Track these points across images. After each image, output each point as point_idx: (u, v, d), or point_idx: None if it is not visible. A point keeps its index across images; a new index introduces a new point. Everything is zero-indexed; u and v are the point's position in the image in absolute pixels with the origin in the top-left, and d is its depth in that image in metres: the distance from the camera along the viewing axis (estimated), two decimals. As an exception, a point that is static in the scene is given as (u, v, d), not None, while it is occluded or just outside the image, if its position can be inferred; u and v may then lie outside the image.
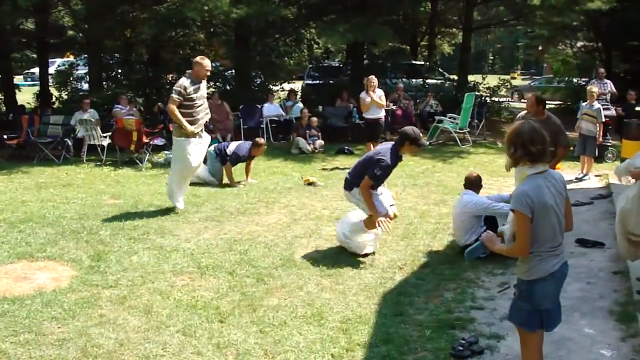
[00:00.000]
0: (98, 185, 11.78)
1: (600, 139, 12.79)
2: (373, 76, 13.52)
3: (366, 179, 7.26)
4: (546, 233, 4.04)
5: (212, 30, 20.59)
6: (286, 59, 23.62)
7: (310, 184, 11.73)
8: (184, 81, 9.04)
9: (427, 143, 9.37)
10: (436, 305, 6.16)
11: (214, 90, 19.76)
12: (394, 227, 8.75)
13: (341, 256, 7.56)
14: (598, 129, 12.46)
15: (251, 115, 17.50)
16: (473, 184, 7.95)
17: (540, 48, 36.41)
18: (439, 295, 6.42)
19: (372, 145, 12.30)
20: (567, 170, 12.63)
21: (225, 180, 11.89)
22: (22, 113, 17.28)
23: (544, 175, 4.04)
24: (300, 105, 18.18)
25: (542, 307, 4.12)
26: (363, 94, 13.43)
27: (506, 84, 24.90)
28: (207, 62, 9.24)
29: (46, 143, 14.55)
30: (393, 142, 7.55)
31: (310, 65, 25.47)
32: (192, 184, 10.85)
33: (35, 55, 23.24)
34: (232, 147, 11.94)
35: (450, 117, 17.41)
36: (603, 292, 6.47)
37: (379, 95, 13.29)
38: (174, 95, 8.94)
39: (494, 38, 65.62)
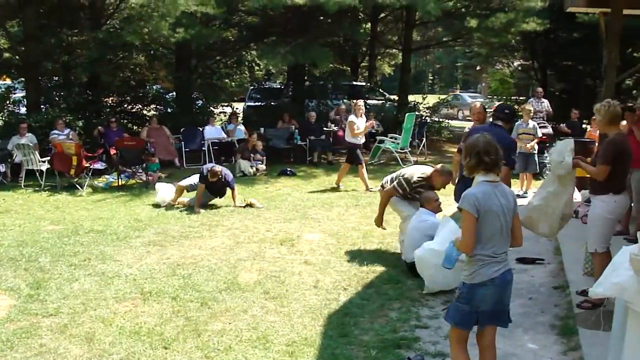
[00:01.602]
0: (37, 211, 11.56)
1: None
2: (361, 101, 13.56)
3: None
4: (489, 236, 4.32)
5: (152, 52, 20.45)
6: (227, 81, 23.59)
7: (249, 205, 11.71)
8: None
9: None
10: (381, 325, 6.19)
11: (153, 113, 19.65)
12: (338, 248, 8.81)
13: (285, 278, 7.55)
14: (535, 145, 12.76)
15: (192, 138, 17.42)
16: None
17: (478, 68, 37.17)
18: (383, 315, 6.46)
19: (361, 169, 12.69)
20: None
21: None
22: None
23: (494, 185, 4.37)
24: (242, 127, 18.16)
25: (480, 309, 4.41)
26: (353, 118, 13.23)
27: (446, 104, 25.38)
28: None
29: (-19, 169, 14.24)
30: None
31: (252, 87, 25.47)
32: (135, 207, 10.78)
33: (-32, 78, 22.77)
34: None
35: (391, 137, 17.60)
36: (544, 307, 6.61)
37: (368, 121, 13.42)
38: None
39: (433, 58, 66.54)
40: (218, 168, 11.51)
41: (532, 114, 13.34)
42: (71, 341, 5.79)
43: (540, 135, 12.94)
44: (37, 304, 6.71)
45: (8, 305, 6.73)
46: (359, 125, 13.17)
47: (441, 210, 8.28)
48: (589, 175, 6.43)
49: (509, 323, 4.67)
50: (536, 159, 12.88)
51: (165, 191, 12.07)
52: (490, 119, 7.71)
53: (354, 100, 13.97)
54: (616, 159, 6.02)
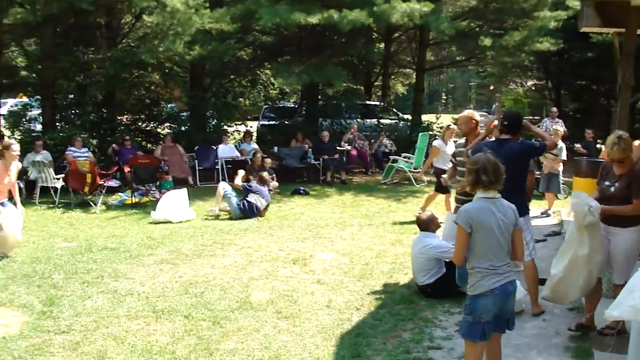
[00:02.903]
0: (51, 228, 11.60)
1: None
2: (454, 125, 12.49)
3: None
4: (484, 251, 4.55)
5: (167, 71, 20.57)
6: (241, 99, 23.66)
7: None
8: None
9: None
10: (394, 345, 6.15)
11: (167, 132, 19.73)
12: (351, 268, 8.78)
13: (298, 298, 7.53)
14: (559, 165, 12.74)
15: (206, 156, 17.48)
16: (426, 224, 7.98)
17: (492, 87, 37.14)
18: (396, 335, 6.42)
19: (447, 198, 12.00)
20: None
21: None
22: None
23: (492, 201, 4.58)
24: (256, 146, 18.19)
25: (483, 319, 4.54)
26: (439, 143, 12.42)
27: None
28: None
29: (-4, 185, 14.31)
30: None
31: (266, 106, 25.56)
32: (150, 223, 10.87)
33: (-14, 96, 22.94)
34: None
35: (404, 157, 17.59)
36: (559, 329, 6.55)
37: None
38: None
39: (446, 78, 66.68)
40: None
41: (562, 134, 13.34)
42: (83, 359, 5.79)
43: (565, 157, 12.91)
44: (50, 321, 6.72)
45: (21, 322, 6.74)
46: (446, 151, 12.04)
47: (439, 227, 8.31)
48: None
49: (513, 327, 4.87)
50: (560, 179, 12.86)
51: (162, 210, 12.24)
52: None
53: (449, 124, 13.19)
54: None
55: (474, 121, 8.28)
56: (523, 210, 6.28)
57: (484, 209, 4.54)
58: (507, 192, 4.72)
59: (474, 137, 7.92)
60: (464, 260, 4.64)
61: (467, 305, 4.65)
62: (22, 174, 14.53)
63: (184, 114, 21.49)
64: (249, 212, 12.34)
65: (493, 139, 7.22)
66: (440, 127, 22.81)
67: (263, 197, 12.64)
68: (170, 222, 11.94)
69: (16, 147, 9.43)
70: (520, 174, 6.71)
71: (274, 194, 15.13)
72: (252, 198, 12.44)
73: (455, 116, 25.24)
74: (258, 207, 12.42)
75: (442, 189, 11.62)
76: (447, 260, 7.44)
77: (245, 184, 12.90)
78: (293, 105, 26.01)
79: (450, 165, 9.23)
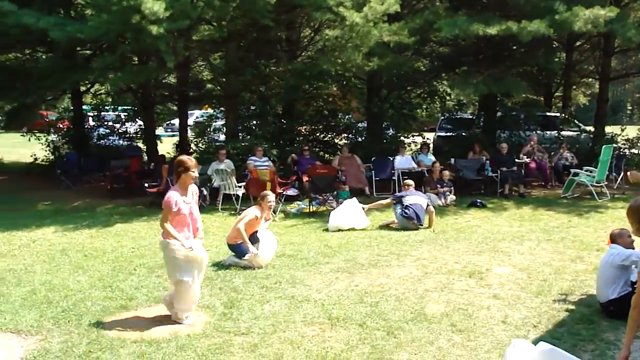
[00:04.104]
0: (232, 234, 12.03)
1: None
2: None
3: None
4: None
5: (345, 82, 20.88)
6: (418, 110, 23.60)
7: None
8: None
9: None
10: (574, 368, 5.86)
11: (344, 142, 20.02)
12: (528, 283, 8.48)
13: (473, 312, 7.36)
14: None
15: (383, 167, 17.53)
16: (614, 237, 7.58)
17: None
18: (576, 356, 6.11)
19: None
20: None
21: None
22: (162, 162, 18.04)
23: None
24: (432, 158, 18.06)
25: None
26: None
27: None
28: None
29: (184, 192, 15.05)
30: None
31: (443, 117, 25.38)
32: (326, 230, 11.15)
33: (175, 108, 24.26)
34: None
35: (586, 170, 16.81)
36: None
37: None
38: None
39: (632, 87, 63.43)
40: None
41: None
42: (261, 360, 5.94)
43: None
44: (230, 323, 6.97)
45: (204, 321, 7.04)
46: None
47: (634, 248, 7.80)
48: None
49: None
50: None
51: (337, 218, 12.46)
52: None
53: None
54: None
55: None
56: None
57: None
58: None
59: None
60: None
61: None
62: (207, 181, 15.25)
63: (361, 124, 21.73)
64: (413, 217, 12.37)
65: None
66: (626, 140, 21.71)
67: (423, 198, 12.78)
68: (341, 229, 12.19)
69: (271, 198, 9.95)
70: None
71: (450, 206, 14.99)
72: (409, 200, 12.55)
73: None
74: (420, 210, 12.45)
75: None
76: (633, 280, 7.01)
77: (395, 194, 13.12)
78: (470, 117, 25.68)
79: None
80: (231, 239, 9.63)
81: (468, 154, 18.41)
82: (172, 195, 6.88)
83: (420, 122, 24.78)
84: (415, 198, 12.59)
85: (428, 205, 12.72)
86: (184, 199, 6.97)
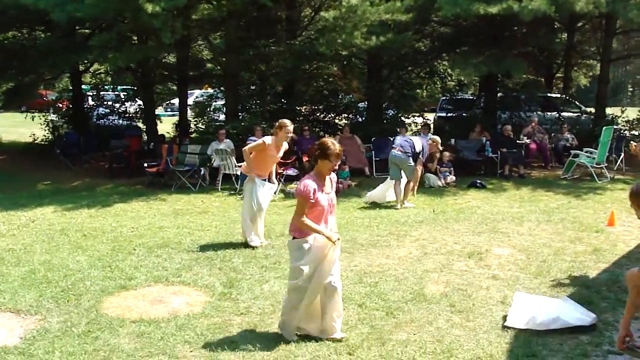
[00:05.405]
0: (232, 214, 12.04)
1: None
2: None
3: None
4: None
5: (345, 63, 20.79)
6: (418, 91, 23.51)
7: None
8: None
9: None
10: (571, 347, 5.86)
11: (345, 122, 19.96)
12: (527, 264, 8.48)
13: (472, 292, 7.35)
14: None
15: (383, 147, 17.46)
16: None
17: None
18: (574, 337, 6.10)
19: None
20: None
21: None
22: (162, 142, 18.04)
23: None
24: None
25: None
26: None
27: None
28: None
29: (183, 171, 15.11)
30: None
31: (443, 98, 25.29)
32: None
33: (175, 87, 24.17)
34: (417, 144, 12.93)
35: (586, 152, 16.77)
36: None
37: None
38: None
39: (633, 69, 63.14)
40: None
41: None
42: (260, 340, 5.95)
43: None
44: (229, 302, 6.97)
45: (203, 301, 7.05)
46: None
47: None
48: None
49: None
50: None
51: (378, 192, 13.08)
52: None
53: None
54: None
55: None
56: None
57: None
58: None
59: None
60: None
61: None
62: (207, 161, 15.24)
63: (362, 105, 21.66)
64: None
65: None
66: (626, 121, 21.64)
67: None
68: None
69: (290, 128, 9.60)
70: None
71: (450, 187, 14.98)
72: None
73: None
74: None
75: None
76: None
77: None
78: (471, 97, 25.59)
79: None
80: (243, 169, 10.14)
81: (469, 135, 18.37)
82: (309, 183, 5.93)
83: (421, 102, 24.65)
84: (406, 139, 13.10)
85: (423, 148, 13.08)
86: (323, 189, 6.09)
